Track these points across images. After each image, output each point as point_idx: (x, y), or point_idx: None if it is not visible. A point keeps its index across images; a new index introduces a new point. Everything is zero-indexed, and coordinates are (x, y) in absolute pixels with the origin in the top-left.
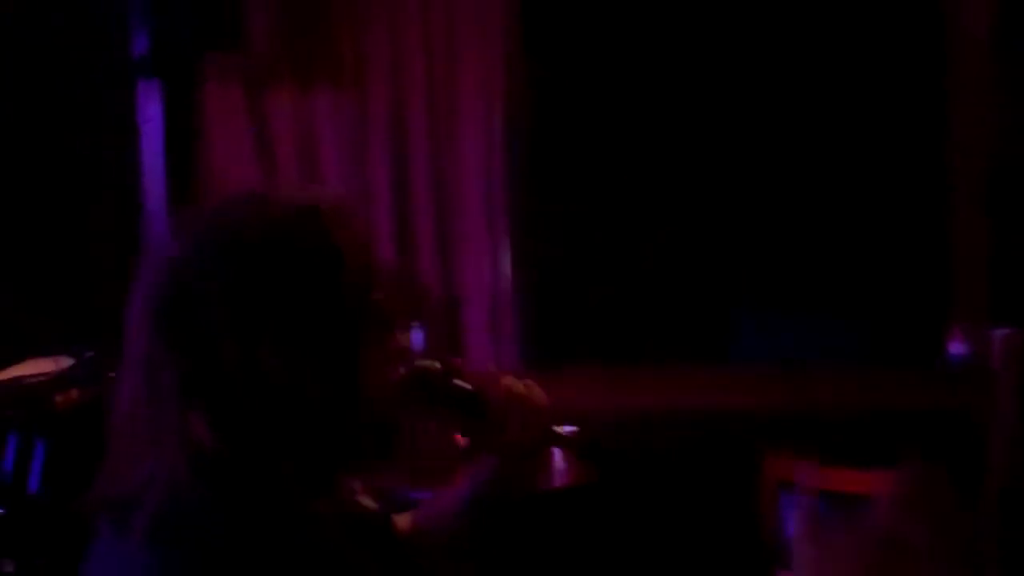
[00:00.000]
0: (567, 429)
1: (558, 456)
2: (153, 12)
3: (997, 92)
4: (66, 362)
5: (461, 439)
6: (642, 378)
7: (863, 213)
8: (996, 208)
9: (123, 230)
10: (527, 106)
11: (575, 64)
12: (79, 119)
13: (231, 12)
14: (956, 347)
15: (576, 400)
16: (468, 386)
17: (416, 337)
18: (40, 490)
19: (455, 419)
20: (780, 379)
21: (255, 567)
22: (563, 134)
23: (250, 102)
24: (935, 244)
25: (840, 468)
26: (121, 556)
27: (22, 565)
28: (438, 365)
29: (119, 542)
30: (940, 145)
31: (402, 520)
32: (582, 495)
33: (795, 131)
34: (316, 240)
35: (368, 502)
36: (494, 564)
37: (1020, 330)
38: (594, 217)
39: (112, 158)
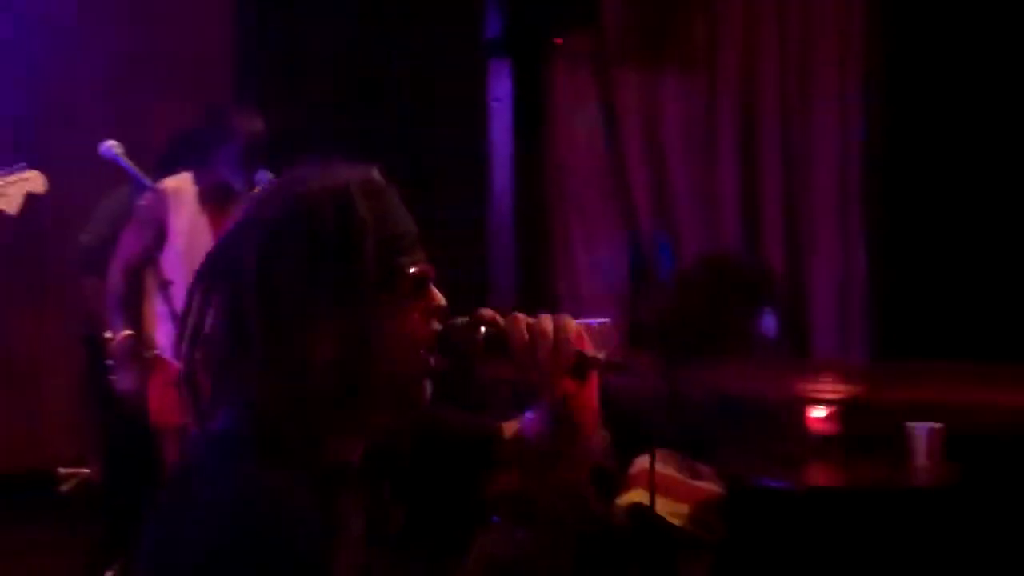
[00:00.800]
0: (593, 321)
1: (920, 456)
2: None
3: None
4: None
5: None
6: (1004, 374)
7: None
8: None
9: (469, 205)
10: (886, 90)
11: (936, 45)
12: (431, 94)
13: None
14: None
15: (935, 395)
16: (492, 330)
17: (768, 322)
18: None
19: (488, 363)
20: None
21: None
22: (923, 119)
23: (598, 83)
24: None
25: None
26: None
27: None
28: (464, 319)
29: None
30: None
31: None
32: (943, 496)
33: None
34: (339, 214)
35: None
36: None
37: None
38: (956, 206)
39: (461, 134)
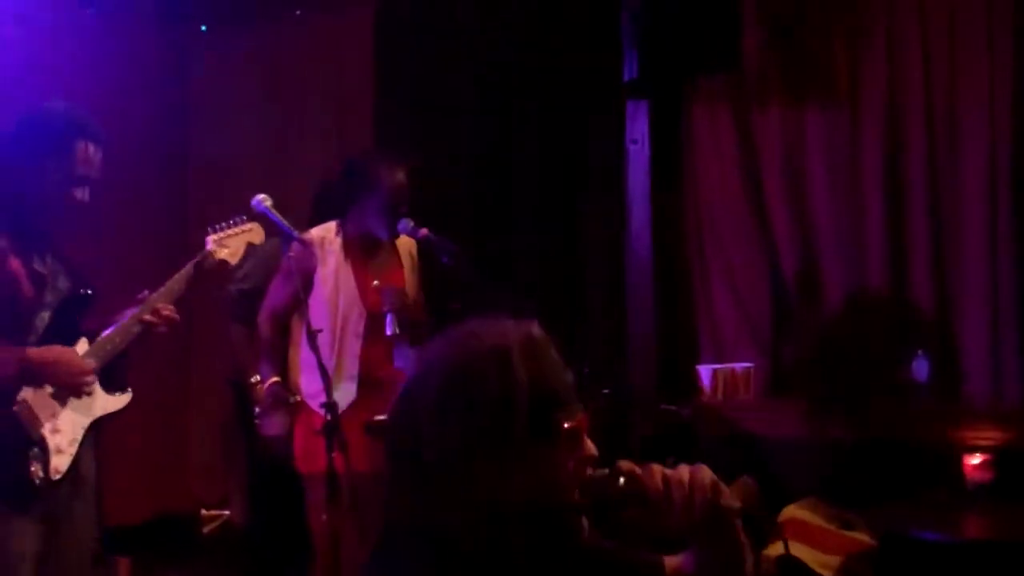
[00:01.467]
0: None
1: None
2: (644, 36)
3: None
4: None
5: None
6: None
7: None
8: None
9: (609, 246)
10: None
11: None
12: (571, 135)
13: (725, 36)
14: None
15: None
16: (630, 482)
17: (920, 367)
18: None
19: (628, 512)
20: None
21: None
22: None
23: (737, 121)
24: None
25: None
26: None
27: None
28: (605, 470)
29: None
30: None
31: None
32: None
33: None
34: (500, 377)
35: None
36: None
37: None
38: None
39: (599, 176)
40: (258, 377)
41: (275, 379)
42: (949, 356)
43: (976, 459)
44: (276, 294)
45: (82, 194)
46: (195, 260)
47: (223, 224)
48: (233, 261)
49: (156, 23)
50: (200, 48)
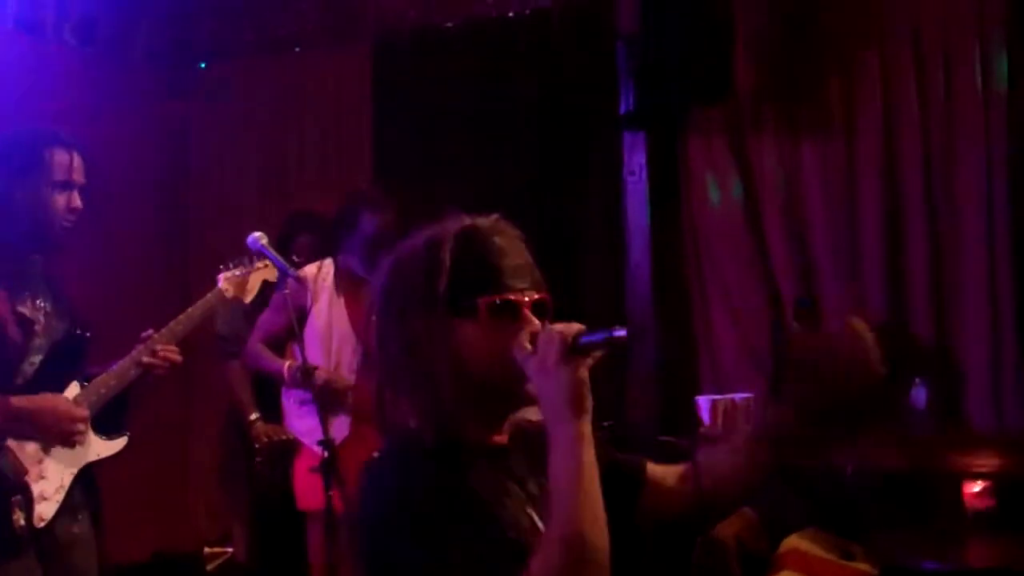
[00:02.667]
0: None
1: None
2: (640, 68)
3: None
4: None
5: None
6: None
7: None
8: None
9: (607, 276)
10: None
11: None
12: (569, 168)
13: (719, 67)
14: None
15: None
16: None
17: (919, 394)
18: None
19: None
20: None
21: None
22: None
23: (734, 151)
24: None
25: None
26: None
27: None
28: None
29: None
30: None
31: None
32: None
33: None
34: (427, 262)
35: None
36: None
37: None
38: None
39: (598, 208)
40: (255, 415)
41: (289, 363)
42: (950, 384)
43: (977, 486)
44: (268, 323)
45: (66, 200)
46: (206, 298)
47: (235, 262)
48: (247, 299)
49: (155, 60)
50: (200, 84)
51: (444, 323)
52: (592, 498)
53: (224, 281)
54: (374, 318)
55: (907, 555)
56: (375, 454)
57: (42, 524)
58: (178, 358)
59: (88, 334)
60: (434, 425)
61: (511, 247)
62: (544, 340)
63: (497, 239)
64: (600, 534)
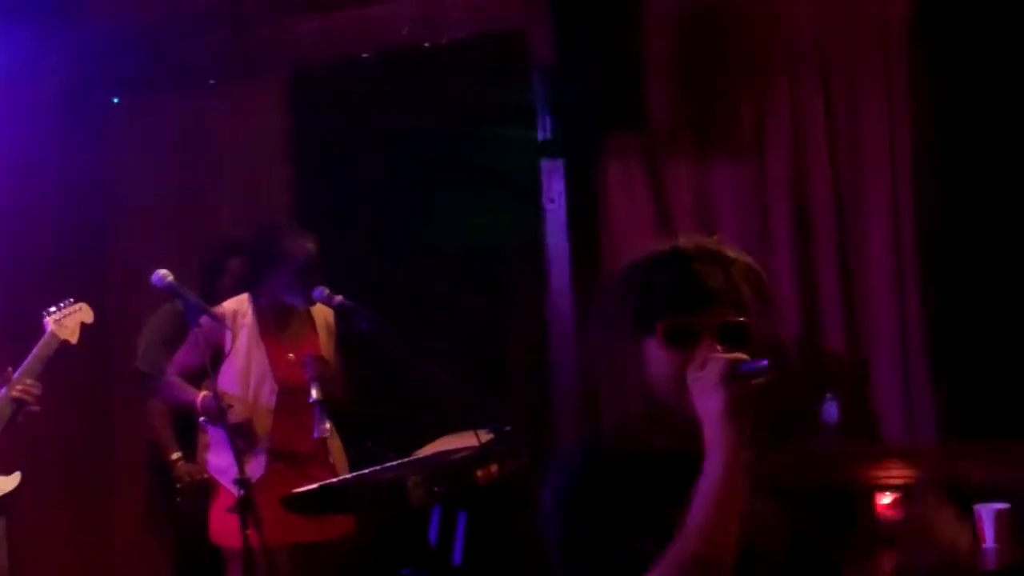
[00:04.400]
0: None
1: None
2: (557, 97)
3: None
4: (485, 436)
5: None
6: None
7: None
8: None
9: (530, 308)
10: (937, 170)
11: (989, 123)
12: (490, 197)
13: (633, 94)
14: None
15: (1003, 475)
16: None
17: (830, 409)
18: (463, 562)
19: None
20: None
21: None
22: (976, 198)
23: (650, 176)
24: None
25: None
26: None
27: None
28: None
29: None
30: None
31: None
32: None
33: None
34: (627, 284)
35: None
36: None
37: None
38: (1014, 282)
39: (518, 237)
40: (177, 454)
41: (204, 393)
42: (863, 399)
43: (888, 498)
44: (184, 360)
45: None
46: (41, 342)
47: (58, 306)
48: (73, 340)
49: (68, 97)
50: (115, 118)
51: (632, 341)
52: (728, 526)
53: (52, 324)
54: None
55: None
56: (557, 458)
57: None
58: (39, 391)
59: None
60: (610, 435)
61: (708, 272)
62: (708, 363)
63: (696, 263)
64: (725, 555)
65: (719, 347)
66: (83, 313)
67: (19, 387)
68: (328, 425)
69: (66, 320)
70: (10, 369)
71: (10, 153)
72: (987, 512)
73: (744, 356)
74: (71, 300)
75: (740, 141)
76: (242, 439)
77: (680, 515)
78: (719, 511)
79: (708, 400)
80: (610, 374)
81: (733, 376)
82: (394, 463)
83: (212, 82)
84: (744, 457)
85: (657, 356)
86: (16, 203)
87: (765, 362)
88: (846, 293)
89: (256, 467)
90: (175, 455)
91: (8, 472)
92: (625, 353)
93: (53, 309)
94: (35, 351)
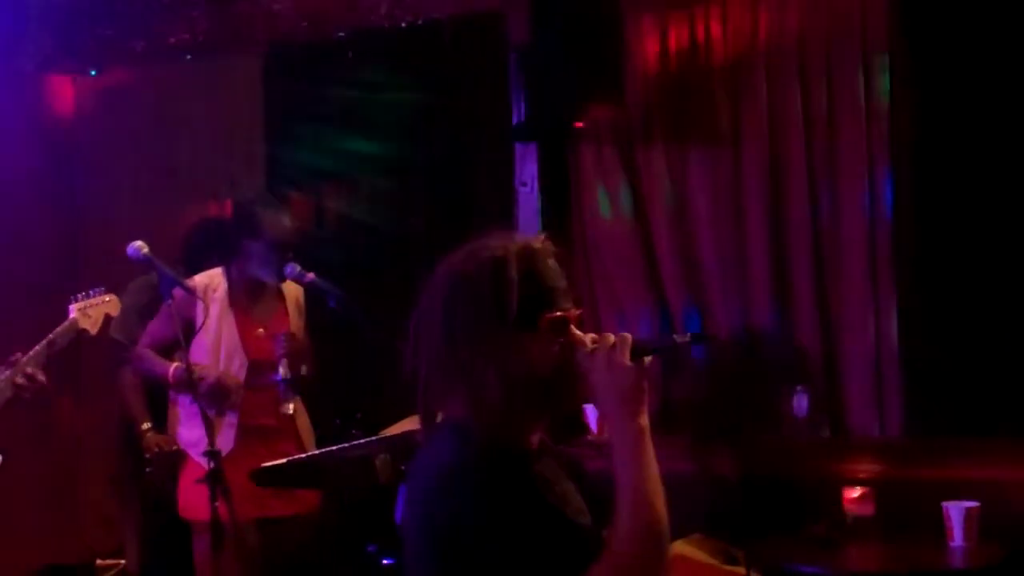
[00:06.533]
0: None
1: (957, 536)
2: (532, 79)
3: None
4: None
5: None
6: None
7: None
8: None
9: None
10: (913, 162)
11: (966, 115)
12: (463, 179)
13: (609, 78)
14: None
15: (972, 473)
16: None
17: (800, 402)
18: None
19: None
20: None
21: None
22: (952, 191)
23: (624, 161)
24: None
25: None
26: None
27: None
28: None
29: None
30: None
31: None
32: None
33: None
34: (495, 278)
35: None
36: None
37: None
38: (988, 278)
39: (490, 219)
40: (147, 424)
41: (176, 364)
42: (833, 391)
43: (856, 492)
44: (156, 332)
45: None
46: (60, 328)
47: (85, 293)
48: (93, 331)
49: (45, 67)
50: (87, 91)
51: (509, 335)
52: (657, 483)
53: (76, 311)
54: (425, 323)
55: (787, 560)
56: (422, 448)
57: None
58: (44, 382)
59: None
60: (487, 426)
61: (557, 268)
62: (606, 343)
63: (550, 260)
64: (665, 516)
65: (580, 335)
66: (110, 305)
67: (20, 376)
68: (292, 404)
69: (90, 310)
70: (19, 354)
71: None
72: (956, 510)
73: (629, 336)
74: (101, 289)
75: (717, 128)
76: (216, 403)
77: (561, 502)
78: (644, 471)
79: (611, 376)
80: (481, 367)
81: (635, 351)
82: (362, 441)
83: (188, 57)
84: (647, 420)
85: (539, 348)
86: None
87: (663, 338)
88: (819, 285)
89: (226, 440)
90: (145, 425)
91: None
92: (500, 346)
93: (80, 296)
94: (50, 336)
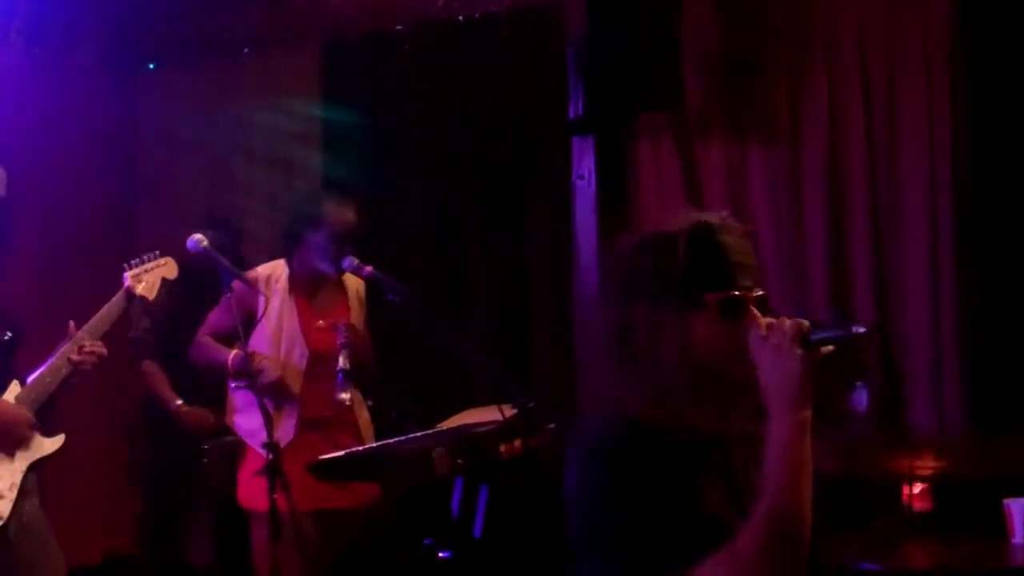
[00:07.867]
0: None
1: (1018, 533)
2: (589, 72)
3: None
4: (509, 411)
5: None
6: None
7: None
8: None
9: (556, 279)
10: (975, 154)
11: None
12: (520, 172)
13: (668, 72)
14: None
15: None
16: None
17: (860, 397)
18: (484, 535)
19: None
20: None
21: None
22: (1014, 182)
23: (681, 156)
24: None
25: None
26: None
27: None
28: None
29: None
30: None
31: None
32: None
33: None
34: (662, 257)
35: None
36: None
37: None
38: None
39: (547, 212)
40: (180, 401)
41: (236, 352)
42: (892, 387)
43: (917, 488)
44: (216, 321)
45: None
46: (117, 296)
47: (139, 259)
48: (150, 296)
49: (104, 62)
50: (148, 85)
51: (676, 314)
52: (806, 482)
53: (131, 279)
54: (600, 307)
55: (850, 557)
56: (583, 425)
57: (0, 522)
58: (104, 351)
59: (10, 336)
60: (655, 407)
61: (738, 245)
62: (779, 329)
63: (727, 237)
64: (807, 516)
65: (759, 317)
66: (166, 268)
67: (77, 350)
68: (349, 394)
69: (146, 275)
70: (73, 324)
71: (44, 117)
72: (1017, 507)
73: (807, 323)
74: (156, 253)
75: (775, 121)
76: (275, 396)
77: (714, 489)
78: (798, 467)
79: (779, 364)
80: (649, 347)
81: (806, 341)
82: (419, 434)
83: (247, 51)
84: (810, 414)
85: (708, 329)
86: (46, 169)
87: (838, 329)
88: (879, 281)
89: (285, 432)
90: (178, 402)
91: (52, 433)
92: (667, 326)
93: (134, 261)
94: (106, 306)
